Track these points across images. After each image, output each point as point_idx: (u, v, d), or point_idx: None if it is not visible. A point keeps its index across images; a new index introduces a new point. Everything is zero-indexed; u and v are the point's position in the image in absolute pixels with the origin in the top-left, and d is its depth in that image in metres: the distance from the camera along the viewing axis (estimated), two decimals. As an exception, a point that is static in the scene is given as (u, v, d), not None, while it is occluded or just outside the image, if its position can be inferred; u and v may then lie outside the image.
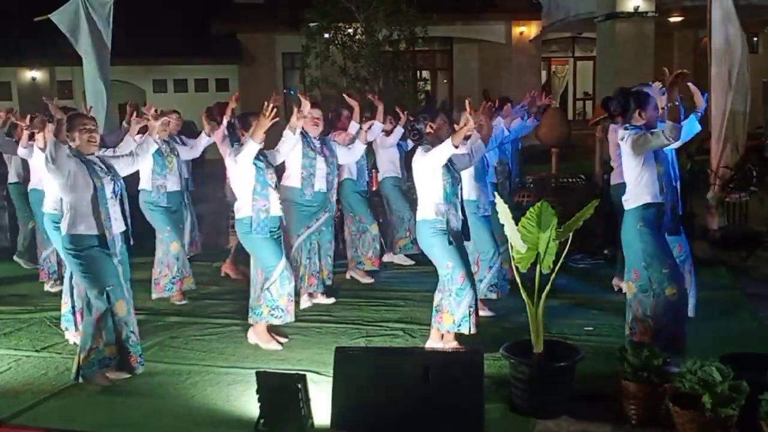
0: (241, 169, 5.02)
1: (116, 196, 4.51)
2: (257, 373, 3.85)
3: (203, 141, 6.48)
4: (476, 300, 4.85)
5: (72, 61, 11.25)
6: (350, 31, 14.78)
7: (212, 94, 20.91)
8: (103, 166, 4.54)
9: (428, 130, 4.87)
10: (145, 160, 4.88)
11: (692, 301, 5.10)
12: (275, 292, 5.11)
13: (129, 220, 4.61)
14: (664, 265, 4.52)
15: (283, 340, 5.25)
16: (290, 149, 5.52)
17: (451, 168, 4.81)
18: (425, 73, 22.20)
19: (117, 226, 4.49)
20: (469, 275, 4.80)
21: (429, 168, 4.73)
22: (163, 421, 4.06)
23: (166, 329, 5.65)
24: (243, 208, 5.09)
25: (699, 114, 5.02)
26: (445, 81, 23.18)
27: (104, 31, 8.32)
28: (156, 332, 5.56)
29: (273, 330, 5.27)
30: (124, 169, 4.71)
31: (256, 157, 5.03)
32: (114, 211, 4.47)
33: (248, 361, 4.88)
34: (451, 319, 4.79)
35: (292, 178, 5.99)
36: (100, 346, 4.43)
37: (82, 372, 4.47)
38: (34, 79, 21.16)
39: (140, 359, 4.61)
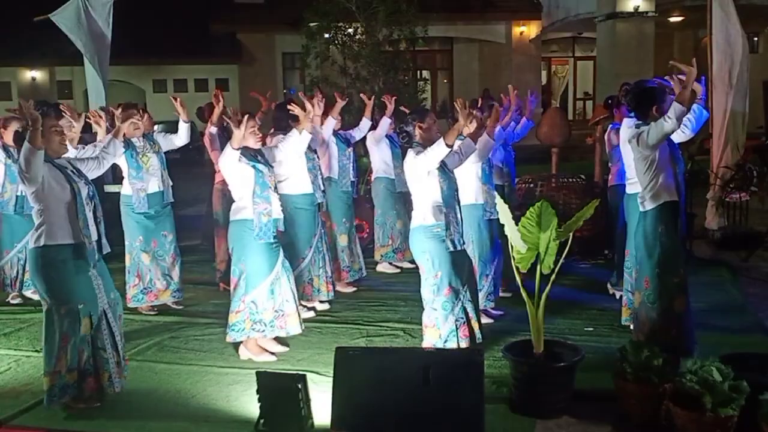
0: (237, 172, 4.79)
1: (91, 200, 4.18)
2: (257, 373, 3.84)
3: (183, 126, 5.99)
4: (472, 310, 4.67)
5: (72, 61, 11.28)
6: (350, 31, 14.74)
7: (212, 94, 20.90)
8: (74, 170, 4.23)
9: (417, 131, 4.67)
10: (109, 163, 4.63)
11: None
12: (260, 304, 4.86)
13: (102, 227, 4.26)
14: (676, 275, 4.42)
15: (282, 349, 5.08)
16: (293, 151, 5.33)
17: (446, 169, 4.63)
18: (425, 73, 22.19)
19: (93, 233, 4.16)
20: (458, 287, 4.59)
21: (423, 170, 4.52)
22: (163, 421, 4.07)
23: (166, 329, 5.65)
24: (244, 210, 4.83)
25: (702, 100, 4.82)
26: (445, 81, 23.18)
27: (104, 30, 8.33)
28: (156, 332, 5.56)
29: (276, 337, 5.12)
30: (90, 172, 4.43)
31: (255, 159, 4.86)
32: (89, 217, 4.15)
33: (248, 361, 4.88)
34: (436, 333, 4.59)
35: (301, 184, 5.75)
36: (62, 371, 4.06)
37: (46, 398, 4.10)
38: (34, 79, 21.18)
39: (112, 379, 4.20)
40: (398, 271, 7.37)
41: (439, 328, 4.58)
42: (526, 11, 21.13)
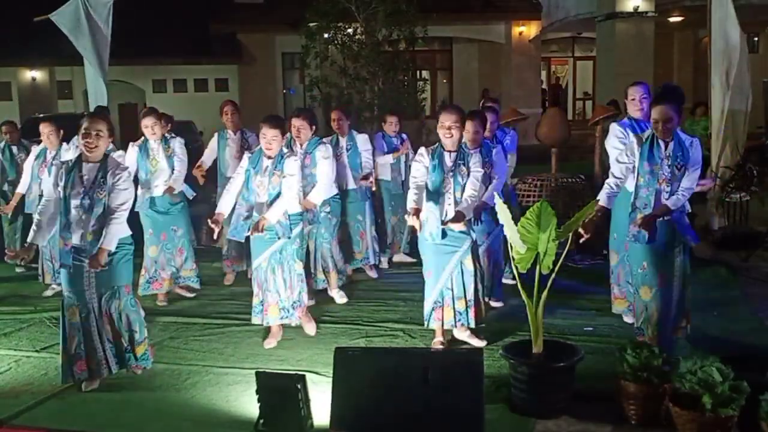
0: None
1: (86, 211, 4.39)
2: (257, 374, 3.84)
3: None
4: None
5: (72, 61, 11.27)
6: (350, 31, 14.76)
7: (212, 94, 20.89)
8: (95, 178, 4.43)
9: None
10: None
11: None
12: (254, 290, 5.32)
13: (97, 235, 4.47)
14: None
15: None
16: None
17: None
18: (425, 73, 22.19)
19: (75, 237, 4.41)
20: None
21: None
22: (162, 421, 4.06)
23: (166, 329, 5.65)
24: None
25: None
26: (445, 81, 23.18)
27: (104, 31, 8.33)
28: (156, 332, 5.54)
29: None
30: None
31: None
32: (73, 222, 4.41)
33: (248, 362, 4.89)
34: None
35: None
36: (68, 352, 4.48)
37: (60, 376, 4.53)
38: (34, 79, 21.15)
39: (101, 365, 4.45)
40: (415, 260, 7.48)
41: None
42: (526, 11, 21.12)
